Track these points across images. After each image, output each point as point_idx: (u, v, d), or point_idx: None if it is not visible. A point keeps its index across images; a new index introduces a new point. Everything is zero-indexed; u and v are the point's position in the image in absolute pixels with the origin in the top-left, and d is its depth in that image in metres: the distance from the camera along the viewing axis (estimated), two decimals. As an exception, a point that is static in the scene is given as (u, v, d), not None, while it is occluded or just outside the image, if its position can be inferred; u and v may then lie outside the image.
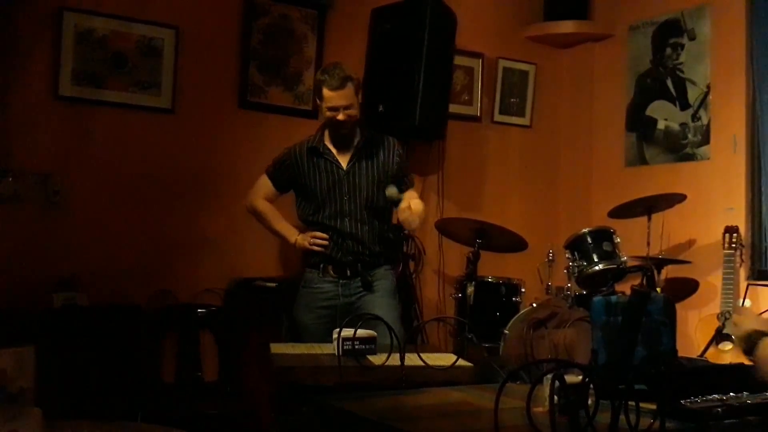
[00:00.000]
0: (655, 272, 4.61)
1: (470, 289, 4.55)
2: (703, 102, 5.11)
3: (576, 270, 4.47)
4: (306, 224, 3.80)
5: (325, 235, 3.69)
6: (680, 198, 4.69)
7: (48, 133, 4.20)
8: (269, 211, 3.89)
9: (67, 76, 4.22)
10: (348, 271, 3.71)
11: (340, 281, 3.71)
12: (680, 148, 5.24)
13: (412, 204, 3.56)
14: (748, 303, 4.26)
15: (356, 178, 3.70)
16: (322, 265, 3.72)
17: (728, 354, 4.38)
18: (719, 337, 4.40)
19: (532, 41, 5.82)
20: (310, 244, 3.70)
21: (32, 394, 2.20)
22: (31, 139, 4.15)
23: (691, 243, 5.07)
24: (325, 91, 3.57)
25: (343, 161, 3.72)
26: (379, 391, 2.25)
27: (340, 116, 3.59)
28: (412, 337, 3.98)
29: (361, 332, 2.82)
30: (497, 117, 5.72)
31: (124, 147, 4.39)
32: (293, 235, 3.78)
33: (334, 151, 3.73)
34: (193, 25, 4.57)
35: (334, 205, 3.70)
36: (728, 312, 4.44)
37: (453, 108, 5.24)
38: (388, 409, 1.96)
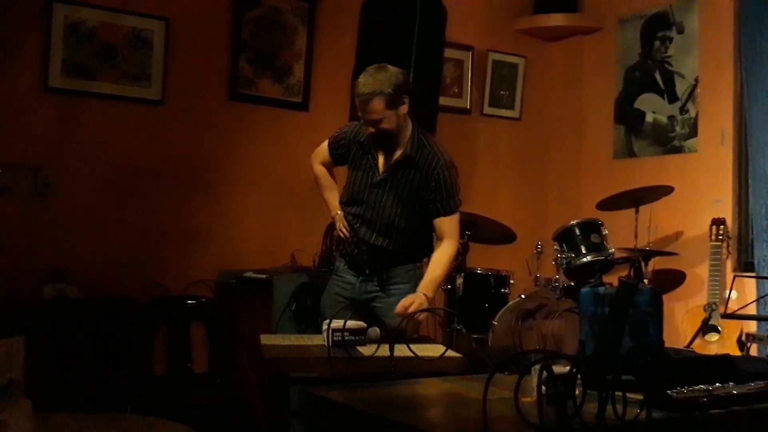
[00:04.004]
0: (643, 264, 4.64)
1: (459, 281, 4.58)
2: (691, 95, 5.14)
3: (564, 261, 4.50)
4: (341, 204, 3.64)
5: (349, 231, 3.54)
6: (668, 190, 4.72)
7: (38, 124, 4.18)
8: (323, 177, 3.72)
9: (57, 68, 4.21)
10: (365, 269, 3.53)
11: (360, 277, 3.55)
12: (668, 141, 5.26)
13: (409, 301, 3.25)
14: (734, 295, 4.29)
15: (383, 193, 3.43)
16: (347, 258, 3.60)
17: (714, 345, 4.42)
18: (705, 328, 4.44)
19: (522, 34, 5.83)
20: (339, 229, 3.59)
21: (22, 385, 2.20)
22: (21, 130, 4.14)
23: (678, 235, 5.10)
24: (356, 99, 3.32)
25: (382, 167, 3.45)
26: (369, 382, 2.26)
27: (369, 129, 3.34)
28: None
29: (351, 323, 2.83)
30: (487, 110, 5.73)
31: (114, 139, 4.38)
32: (334, 210, 3.63)
33: (379, 150, 3.46)
34: (183, 17, 4.55)
35: (360, 207, 3.51)
36: (715, 303, 4.47)
37: (443, 100, 5.24)
38: (378, 400, 1.98)
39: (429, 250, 3.54)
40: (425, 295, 3.31)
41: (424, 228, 3.50)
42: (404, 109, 3.33)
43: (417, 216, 3.44)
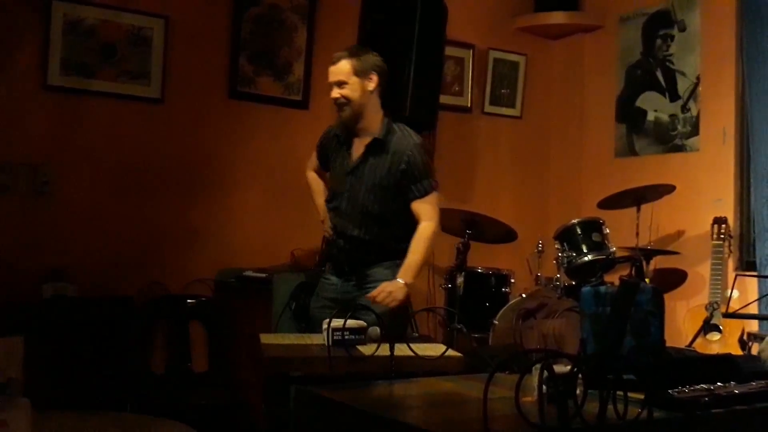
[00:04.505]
0: (644, 263, 4.63)
1: (460, 280, 4.57)
2: (692, 93, 5.13)
3: (565, 261, 4.49)
4: (326, 203, 3.69)
5: (330, 231, 3.60)
6: (669, 189, 4.71)
7: (37, 123, 4.17)
8: (314, 183, 3.82)
9: (56, 66, 4.20)
10: (344, 268, 3.55)
11: (342, 278, 3.56)
12: (670, 140, 5.25)
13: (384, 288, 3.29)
14: (736, 294, 4.28)
15: (357, 180, 3.48)
16: (331, 258, 3.63)
17: (716, 344, 4.40)
18: (707, 327, 4.43)
19: (523, 32, 5.81)
20: (324, 231, 3.65)
21: (21, 384, 2.20)
22: (20, 129, 4.13)
23: (679, 234, 5.09)
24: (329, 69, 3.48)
25: (355, 156, 3.52)
26: (369, 381, 2.25)
27: (333, 93, 3.43)
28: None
29: (351, 323, 2.82)
30: (488, 108, 5.71)
31: (114, 137, 4.37)
32: (323, 213, 3.69)
33: (354, 141, 3.53)
34: (183, 15, 4.54)
35: (338, 200, 3.55)
36: (716, 303, 4.46)
37: (444, 99, 5.23)
38: (378, 399, 1.97)
39: (405, 246, 3.48)
40: (404, 282, 3.32)
41: (400, 218, 3.47)
42: (371, 85, 3.43)
43: (392, 202, 3.45)
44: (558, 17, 5.69)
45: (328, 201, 3.63)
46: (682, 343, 4.40)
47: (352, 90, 3.41)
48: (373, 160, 3.46)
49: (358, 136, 3.51)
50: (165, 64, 4.47)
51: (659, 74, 5.34)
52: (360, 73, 3.42)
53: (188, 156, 4.57)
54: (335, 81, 3.43)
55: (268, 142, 4.78)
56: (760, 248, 4.61)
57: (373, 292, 3.27)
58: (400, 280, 3.33)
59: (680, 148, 5.18)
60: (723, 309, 4.29)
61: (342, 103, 3.44)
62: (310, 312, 3.68)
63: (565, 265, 4.50)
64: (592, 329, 2.07)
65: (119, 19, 4.36)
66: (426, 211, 3.44)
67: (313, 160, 3.79)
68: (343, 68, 3.42)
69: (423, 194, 3.44)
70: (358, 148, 3.51)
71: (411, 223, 3.45)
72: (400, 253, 3.43)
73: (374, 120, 3.48)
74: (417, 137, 3.51)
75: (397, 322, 3.29)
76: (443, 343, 3.70)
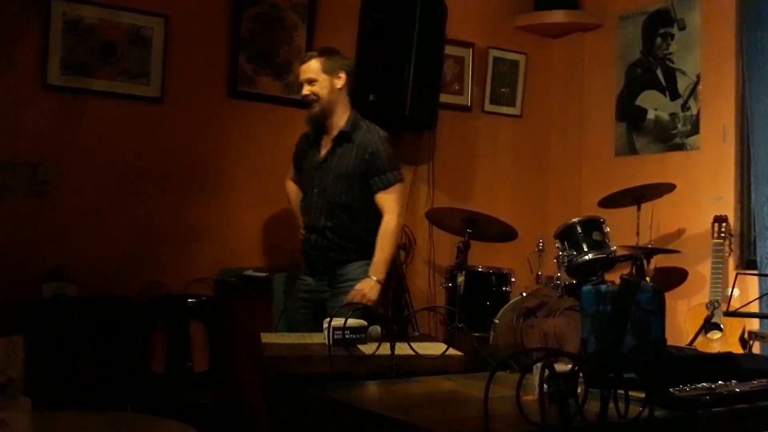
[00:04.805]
0: (645, 262, 4.63)
1: (460, 279, 4.57)
2: (692, 92, 5.12)
3: (566, 259, 4.49)
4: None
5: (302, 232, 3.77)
6: (669, 188, 4.70)
7: (36, 122, 4.17)
8: (292, 193, 4.00)
9: (56, 65, 4.20)
10: (318, 267, 3.67)
11: (316, 277, 3.69)
12: (670, 138, 5.25)
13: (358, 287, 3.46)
14: (736, 292, 4.27)
15: (325, 173, 3.65)
16: (305, 258, 3.77)
17: (717, 343, 4.40)
18: (708, 326, 4.43)
19: (523, 31, 5.81)
20: (299, 233, 3.78)
21: (21, 384, 2.19)
22: (20, 128, 4.12)
23: (680, 232, 5.09)
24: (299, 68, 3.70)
25: (324, 151, 3.70)
26: (370, 380, 2.26)
27: (303, 90, 3.63)
28: (403, 327, 3.98)
29: (351, 322, 2.82)
30: (488, 107, 5.71)
31: (113, 136, 4.36)
32: (300, 222, 3.84)
33: (323, 138, 3.71)
34: (183, 14, 4.54)
35: (308, 196, 3.73)
36: (717, 301, 4.46)
37: (443, 98, 5.23)
38: (379, 399, 1.97)
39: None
40: (376, 279, 3.48)
41: (369, 210, 3.61)
42: (339, 83, 3.63)
43: (358, 192, 3.60)
44: (558, 16, 5.69)
45: (302, 201, 3.80)
46: (683, 341, 4.40)
47: (321, 87, 3.61)
48: (340, 150, 3.64)
49: (327, 133, 3.69)
50: (165, 64, 4.47)
51: (659, 73, 5.34)
52: (329, 71, 3.61)
53: (188, 155, 4.56)
54: (305, 78, 3.63)
55: (268, 142, 4.77)
56: (761, 247, 4.61)
57: (349, 296, 3.41)
58: (372, 278, 3.48)
59: (680, 147, 5.18)
60: (724, 307, 4.29)
61: (312, 100, 3.62)
62: (286, 310, 3.81)
63: (566, 264, 4.50)
64: (593, 328, 2.07)
65: (119, 18, 4.35)
66: (388, 204, 3.58)
67: (290, 170, 3.98)
68: (312, 66, 3.62)
69: (386, 186, 3.58)
70: (327, 143, 3.69)
71: (380, 216, 3.61)
72: (371, 251, 3.57)
73: (342, 117, 3.66)
74: (383, 132, 3.68)
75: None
76: (444, 342, 3.70)
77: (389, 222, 3.56)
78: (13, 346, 2.09)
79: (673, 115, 5.23)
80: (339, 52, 3.73)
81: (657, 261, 4.85)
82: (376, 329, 2.92)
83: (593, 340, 2.06)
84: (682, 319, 4.61)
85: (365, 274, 3.52)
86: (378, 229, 3.56)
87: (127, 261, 4.33)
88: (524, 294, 4.49)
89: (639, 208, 4.72)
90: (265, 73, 4.77)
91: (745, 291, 4.56)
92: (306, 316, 3.68)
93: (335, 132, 3.65)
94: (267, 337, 3.04)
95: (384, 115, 4.77)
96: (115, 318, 4.00)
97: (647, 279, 4.58)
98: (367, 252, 3.58)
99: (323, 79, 3.60)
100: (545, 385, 1.65)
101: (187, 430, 2.59)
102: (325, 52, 3.67)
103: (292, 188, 4.00)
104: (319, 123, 3.67)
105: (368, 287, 3.45)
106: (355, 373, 2.52)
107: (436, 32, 4.93)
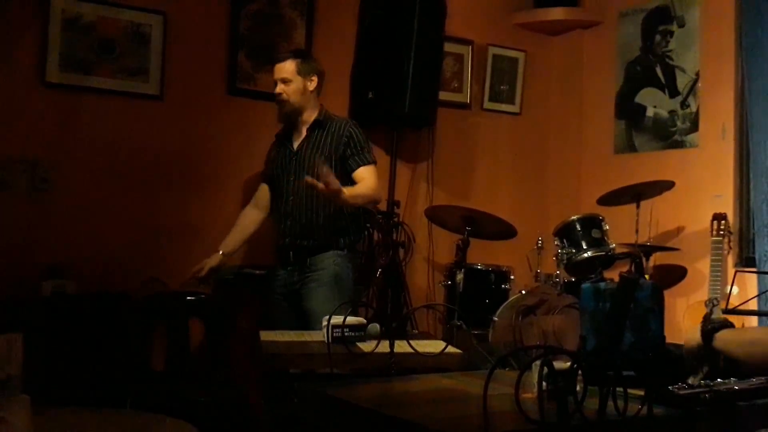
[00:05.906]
0: (644, 259, 4.63)
1: (459, 277, 4.57)
2: (692, 89, 5.12)
3: (565, 257, 4.49)
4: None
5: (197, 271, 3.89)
6: (669, 185, 4.70)
7: (35, 119, 4.17)
8: (238, 219, 4.15)
9: (55, 63, 4.19)
10: (290, 257, 3.79)
11: (288, 268, 3.81)
12: (669, 136, 5.25)
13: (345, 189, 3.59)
14: (735, 290, 4.27)
15: (303, 159, 3.83)
16: (278, 249, 3.91)
17: (716, 340, 4.39)
18: (707, 323, 4.42)
19: (522, 28, 5.80)
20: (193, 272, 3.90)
21: (20, 381, 2.19)
22: (19, 125, 4.12)
23: (679, 230, 5.09)
24: (274, 69, 3.90)
25: (296, 143, 3.90)
26: (369, 378, 2.26)
27: (277, 88, 3.83)
28: (402, 325, 3.98)
29: (350, 319, 2.82)
30: (487, 104, 5.71)
31: (112, 134, 4.36)
32: (221, 248, 4.02)
33: (294, 135, 3.92)
34: (181, 11, 4.54)
35: (282, 187, 3.85)
36: (716, 299, 4.46)
37: (443, 95, 5.23)
38: (378, 396, 1.97)
39: (352, 239, 3.85)
40: (343, 189, 3.56)
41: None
42: (312, 85, 3.88)
43: (335, 174, 3.65)
44: (557, 13, 5.69)
45: (274, 201, 3.99)
46: (681, 339, 4.39)
47: (294, 88, 3.84)
48: (315, 137, 3.86)
49: (297, 129, 3.92)
50: (164, 61, 4.47)
51: (658, 70, 5.33)
52: (303, 73, 3.86)
53: (187, 152, 4.56)
54: (280, 78, 3.85)
55: (267, 139, 4.75)
56: (760, 244, 4.60)
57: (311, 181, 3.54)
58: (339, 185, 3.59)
59: (680, 144, 5.18)
60: (723, 305, 4.27)
61: (284, 99, 3.85)
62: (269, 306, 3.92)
63: (565, 262, 4.50)
64: (592, 326, 2.07)
65: (118, 15, 4.35)
66: (367, 179, 3.77)
67: (259, 190, 4.12)
68: (288, 67, 3.85)
69: (365, 162, 3.82)
70: (298, 137, 3.91)
71: (352, 218, 3.84)
72: (344, 242, 3.79)
73: (313, 114, 3.91)
74: (353, 121, 3.95)
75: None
76: (443, 339, 3.70)
77: (369, 187, 3.76)
78: (12, 344, 2.09)
79: (672, 112, 5.23)
80: (312, 56, 4.08)
81: (656, 258, 4.85)
82: (375, 327, 2.93)
83: (592, 337, 2.05)
84: (681, 317, 4.61)
85: (335, 264, 3.71)
86: (352, 218, 3.81)
87: (126, 258, 4.32)
88: (523, 292, 4.49)
89: (638, 206, 4.72)
90: (264, 69, 4.76)
91: (743, 289, 4.56)
92: (284, 309, 3.82)
93: (306, 126, 3.88)
94: (266, 335, 3.05)
95: (383, 113, 4.78)
96: (114, 315, 3.99)
97: (646, 276, 4.58)
98: (338, 242, 3.77)
99: (297, 80, 3.84)
100: (544, 383, 1.65)
101: (186, 427, 2.60)
102: (300, 55, 3.94)
103: (240, 217, 4.14)
104: (291, 121, 3.92)
105: (336, 184, 3.52)
106: (354, 370, 2.52)
107: (436, 29, 4.93)
